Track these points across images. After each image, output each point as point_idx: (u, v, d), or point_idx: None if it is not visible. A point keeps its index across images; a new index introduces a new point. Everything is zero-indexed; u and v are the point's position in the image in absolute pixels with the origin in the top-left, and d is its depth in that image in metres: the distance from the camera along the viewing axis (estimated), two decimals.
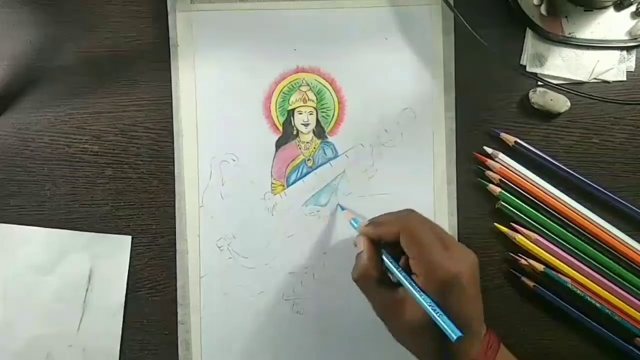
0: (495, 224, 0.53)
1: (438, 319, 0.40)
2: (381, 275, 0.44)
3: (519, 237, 0.53)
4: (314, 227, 0.54)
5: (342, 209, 0.53)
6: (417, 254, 0.42)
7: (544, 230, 0.53)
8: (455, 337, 0.39)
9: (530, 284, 0.53)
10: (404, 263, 0.44)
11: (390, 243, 0.44)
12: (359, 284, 0.45)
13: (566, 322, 0.53)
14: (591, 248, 0.53)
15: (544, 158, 0.53)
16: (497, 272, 0.54)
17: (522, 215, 0.53)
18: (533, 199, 0.53)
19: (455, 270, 0.41)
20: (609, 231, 0.52)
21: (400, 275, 0.43)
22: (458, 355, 0.42)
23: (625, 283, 0.52)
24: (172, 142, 0.54)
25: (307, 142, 0.54)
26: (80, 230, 0.54)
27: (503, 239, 0.54)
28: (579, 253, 0.53)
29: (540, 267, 0.52)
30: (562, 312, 0.52)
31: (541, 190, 0.53)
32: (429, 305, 0.41)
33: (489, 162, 0.54)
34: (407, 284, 0.42)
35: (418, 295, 0.41)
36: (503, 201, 0.53)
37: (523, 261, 0.53)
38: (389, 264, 0.44)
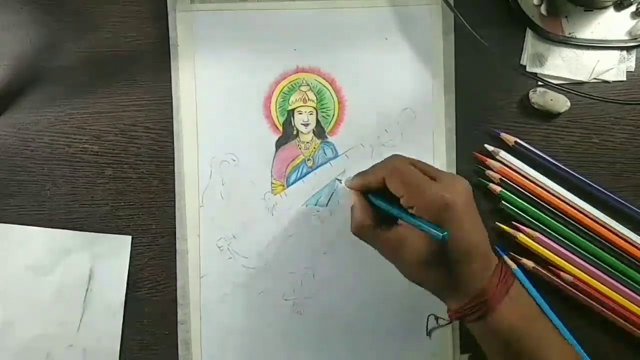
0: (497, 222, 0.53)
1: (420, 223, 0.40)
2: (376, 221, 0.45)
3: (521, 236, 0.53)
4: (314, 227, 0.54)
5: (340, 181, 0.54)
6: (406, 193, 0.42)
7: (546, 228, 0.53)
8: (440, 235, 0.39)
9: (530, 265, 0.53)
10: (398, 205, 0.44)
11: (380, 190, 0.44)
12: (359, 236, 0.46)
13: (567, 321, 0.53)
14: (593, 245, 0.53)
15: (544, 158, 0.53)
16: None
17: (523, 214, 0.53)
18: (534, 197, 0.53)
19: (448, 198, 0.41)
20: (612, 227, 0.53)
21: (388, 207, 0.43)
22: (470, 282, 0.42)
23: (627, 280, 0.52)
24: (172, 142, 0.54)
25: (307, 142, 0.54)
26: (80, 230, 0.54)
27: (504, 239, 0.54)
28: (581, 251, 0.53)
29: (530, 264, 0.52)
30: (563, 313, 0.52)
31: (542, 188, 0.53)
32: (410, 215, 0.41)
33: (489, 161, 0.54)
34: (393, 210, 0.43)
35: (402, 214, 0.42)
36: (504, 200, 0.53)
37: (523, 261, 0.53)
38: (379, 202, 0.45)
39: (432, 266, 0.42)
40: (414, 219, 0.42)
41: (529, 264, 0.53)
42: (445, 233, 0.39)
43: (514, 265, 0.53)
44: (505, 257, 0.53)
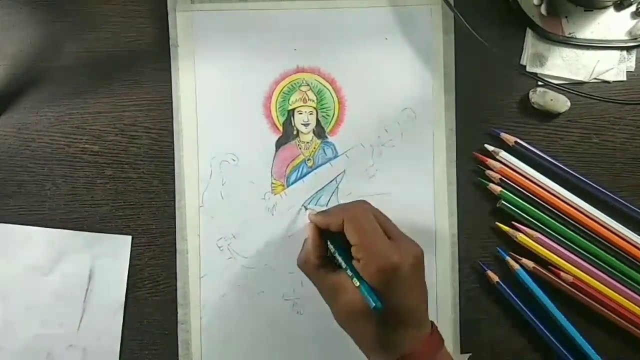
0: (497, 223, 0.53)
1: (361, 285, 0.41)
2: (323, 261, 0.45)
3: (521, 236, 0.53)
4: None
5: (306, 209, 0.54)
6: (358, 240, 0.43)
7: (546, 228, 0.53)
8: (373, 305, 0.40)
9: (495, 279, 0.53)
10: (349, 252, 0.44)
11: (339, 232, 0.44)
12: (302, 269, 0.47)
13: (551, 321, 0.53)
14: (593, 245, 0.53)
15: (544, 158, 0.53)
16: (498, 271, 0.54)
17: (523, 214, 0.53)
18: (534, 197, 0.53)
19: (396, 260, 0.42)
20: (611, 227, 0.53)
21: (338, 253, 0.44)
22: (398, 345, 0.42)
23: (627, 280, 0.52)
24: (172, 142, 0.54)
25: (307, 142, 0.54)
26: (80, 230, 0.54)
27: (503, 239, 0.54)
28: (581, 251, 0.53)
29: (530, 264, 0.52)
30: (563, 313, 0.52)
31: (542, 188, 0.53)
32: (355, 273, 0.42)
33: (489, 161, 0.54)
34: (341, 260, 0.44)
35: (349, 268, 0.43)
36: (504, 200, 0.53)
37: (523, 261, 0.53)
38: (331, 245, 0.45)
39: (364, 321, 0.43)
40: (357, 278, 0.42)
41: (529, 264, 0.53)
42: (379, 305, 0.40)
43: (516, 266, 0.53)
44: (508, 258, 0.53)
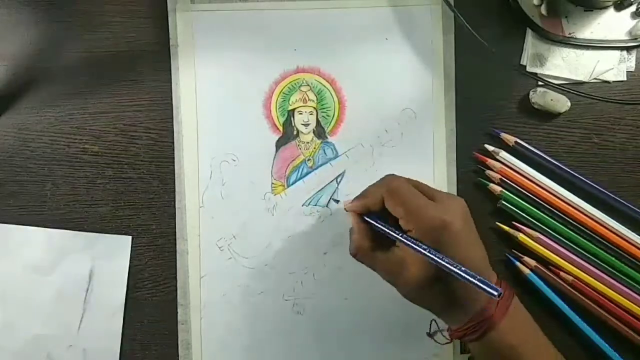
0: (497, 222, 0.53)
1: (473, 281, 0.38)
2: (374, 243, 0.44)
3: (521, 236, 0.53)
4: (314, 227, 0.54)
5: (336, 201, 0.54)
6: (404, 213, 0.42)
7: (546, 228, 0.53)
8: (496, 294, 0.37)
9: (526, 270, 0.53)
10: (396, 226, 0.44)
11: (379, 211, 0.44)
12: (357, 258, 0.45)
13: (564, 323, 0.53)
14: (594, 245, 0.53)
15: (544, 158, 0.53)
16: (498, 272, 0.54)
17: (524, 214, 0.53)
18: (534, 197, 0.53)
19: (445, 217, 0.41)
20: (612, 227, 0.52)
21: (386, 230, 0.43)
22: (469, 303, 0.42)
23: (628, 280, 0.52)
24: (172, 142, 0.54)
25: (307, 142, 0.54)
26: (80, 230, 0.54)
27: (504, 239, 0.54)
28: (581, 250, 0.53)
29: (532, 263, 0.52)
30: (561, 313, 0.52)
31: (542, 188, 0.53)
32: (411, 241, 0.41)
33: (490, 161, 0.54)
34: (392, 233, 0.42)
35: (403, 239, 0.42)
36: (504, 200, 0.53)
37: (524, 259, 0.53)
38: (377, 225, 0.44)
39: (432, 288, 0.42)
40: (415, 244, 0.41)
41: (531, 262, 0.52)
42: (500, 291, 0.37)
43: (527, 271, 0.52)
44: (518, 264, 0.53)
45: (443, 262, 0.39)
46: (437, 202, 0.43)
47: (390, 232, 0.43)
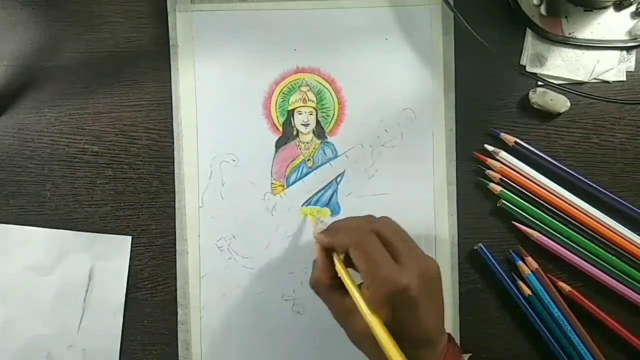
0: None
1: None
2: (333, 281, 0.43)
3: (535, 234, 0.53)
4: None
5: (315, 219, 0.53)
6: (365, 269, 0.41)
7: (546, 228, 0.53)
8: None
9: (527, 292, 0.53)
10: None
11: (344, 253, 0.43)
12: (314, 290, 0.45)
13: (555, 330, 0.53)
14: (594, 245, 0.53)
15: (544, 158, 0.53)
16: (498, 272, 0.54)
17: (524, 214, 0.53)
18: (534, 197, 0.53)
19: (404, 282, 0.40)
20: (611, 227, 0.52)
21: (345, 280, 0.42)
22: None
23: (628, 279, 0.52)
24: (172, 142, 0.54)
25: (307, 142, 0.54)
26: (80, 230, 0.54)
27: (504, 239, 0.54)
28: (582, 250, 0.53)
29: (534, 264, 0.53)
30: (554, 319, 0.52)
31: (542, 187, 0.53)
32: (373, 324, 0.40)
33: (490, 161, 0.54)
34: (348, 286, 0.42)
35: (355, 296, 0.41)
36: (504, 200, 0.53)
37: (527, 259, 0.53)
38: (342, 274, 0.43)
39: (376, 343, 0.41)
40: (360, 304, 0.41)
41: (533, 264, 0.53)
42: None
43: (527, 271, 0.52)
44: (520, 263, 0.53)
45: (376, 333, 0.39)
46: (402, 263, 0.41)
47: (345, 282, 0.42)
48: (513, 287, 0.53)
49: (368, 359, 0.43)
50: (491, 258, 0.53)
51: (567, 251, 0.53)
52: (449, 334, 0.44)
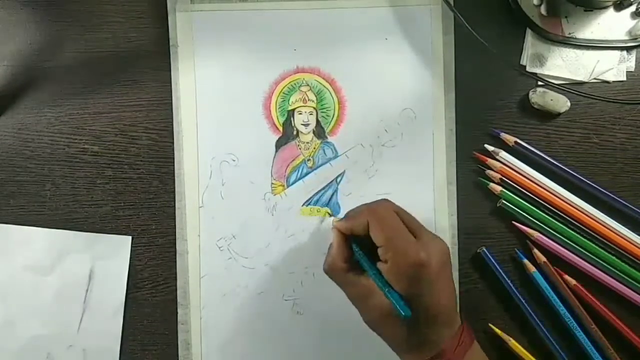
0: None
1: (389, 294, 0.41)
2: (349, 264, 0.45)
3: (535, 234, 0.53)
4: (314, 227, 0.54)
5: (330, 215, 0.53)
6: (384, 242, 0.42)
7: (546, 227, 0.53)
8: (403, 314, 0.40)
9: (532, 268, 0.53)
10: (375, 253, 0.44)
11: (363, 235, 0.44)
12: (329, 275, 0.46)
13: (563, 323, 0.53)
14: (594, 244, 0.53)
15: (544, 158, 0.53)
16: (499, 273, 0.54)
17: (524, 214, 0.53)
18: (534, 197, 0.53)
19: (423, 258, 0.41)
20: (612, 227, 0.53)
21: (364, 261, 0.44)
22: (430, 344, 0.42)
23: (629, 279, 0.52)
24: (172, 142, 0.54)
25: (307, 142, 0.54)
26: (80, 230, 0.54)
27: (504, 239, 0.54)
28: (582, 250, 0.53)
29: (542, 258, 0.53)
30: (559, 313, 0.52)
31: (543, 187, 0.53)
32: (381, 283, 0.42)
33: (490, 161, 0.54)
34: (367, 267, 0.43)
35: (375, 276, 0.42)
36: (504, 200, 0.53)
37: (535, 253, 0.53)
38: (358, 253, 0.44)
39: (395, 323, 0.42)
40: (383, 285, 0.42)
41: (541, 257, 0.52)
42: (409, 314, 0.40)
43: (532, 269, 0.52)
44: (525, 261, 0.53)
45: (398, 309, 0.41)
46: (419, 239, 0.43)
47: (364, 262, 0.44)
48: (513, 287, 0.53)
49: (384, 340, 0.45)
50: (494, 262, 0.53)
51: (567, 251, 0.53)
52: (461, 317, 0.45)
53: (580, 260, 0.53)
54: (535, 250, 0.53)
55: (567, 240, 0.53)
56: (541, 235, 0.53)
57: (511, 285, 0.53)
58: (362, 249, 0.45)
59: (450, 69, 0.54)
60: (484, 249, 0.53)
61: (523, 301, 0.53)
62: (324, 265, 0.46)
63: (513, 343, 0.53)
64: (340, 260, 0.45)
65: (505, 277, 0.53)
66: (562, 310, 0.52)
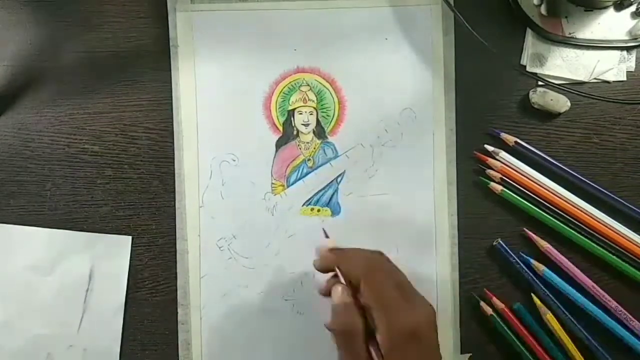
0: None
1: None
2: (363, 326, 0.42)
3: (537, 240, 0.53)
4: (314, 227, 0.54)
5: (326, 236, 0.50)
6: (376, 305, 0.41)
7: (546, 228, 0.53)
8: None
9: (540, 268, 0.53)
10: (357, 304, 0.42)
11: (348, 281, 0.43)
12: (343, 339, 0.42)
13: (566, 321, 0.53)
14: (594, 244, 0.53)
15: (544, 158, 0.53)
16: (500, 272, 0.54)
17: (524, 213, 0.53)
18: (535, 196, 0.53)
19: (415, 321, 0.41)
20: (612, 227, 0.53)
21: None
22: None
23: (629, 279, 0.52)
24: (172, 142, 0.54)
25: (307, 142, 0.54)
26: (80, 230, 0.54)
27: (504, 239, 0.54)
28: (582, 250, 0.53)
29: (544, 244, 0.53)
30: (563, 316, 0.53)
31: (543, 187, 0.53)
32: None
33: (490, 160, 0.54)
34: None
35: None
36: (505, 199, 0.53)
37: (538, 241, 0.53)
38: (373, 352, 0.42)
39: None
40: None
41: (543, 244, 0.52)
42: None
43: (542, 267, 0.52)
44: (533, 262, 0.53)
45: None
46: (409, 303, 0.42)
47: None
48: (533, 279, 0.53)
49: None
50: (511, 254, 0.53)
51: (567, 251, 0.53)
52: None
53: (580, 260, 0.52)
54: (538, 239, 0.53)
55: (567, 240, 0.53)
56: (550, 247, 0.52)
57: (511, 285, 0.53)
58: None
59: (450, 69, 0.54)
60: (500, 241, 0.53)
61: (523, 309, 0.53)
62: (332, 325, 0.42)
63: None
64: (359, 322, 0.41)
65: (524, 267, 0.53)
66: (580, 299, 0.52)
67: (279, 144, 0.54)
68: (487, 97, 0.55)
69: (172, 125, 0.54)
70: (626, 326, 0.52)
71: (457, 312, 0.54)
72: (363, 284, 0.42)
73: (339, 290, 0.43)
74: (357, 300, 0.42)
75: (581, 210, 0.53)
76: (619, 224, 0.53)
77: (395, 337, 0.41)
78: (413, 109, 0.54)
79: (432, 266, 0.54)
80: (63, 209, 0.54)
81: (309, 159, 0.54)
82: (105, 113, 0.54)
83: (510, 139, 0.53)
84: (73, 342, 0.53)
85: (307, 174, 0.54)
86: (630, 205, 0.53)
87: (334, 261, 0.44)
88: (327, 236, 0.49)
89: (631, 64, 0.54)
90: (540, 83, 0.54)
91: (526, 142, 0.53)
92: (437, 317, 0.52)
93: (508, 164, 0.53)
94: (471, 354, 0.54)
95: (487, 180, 0.54)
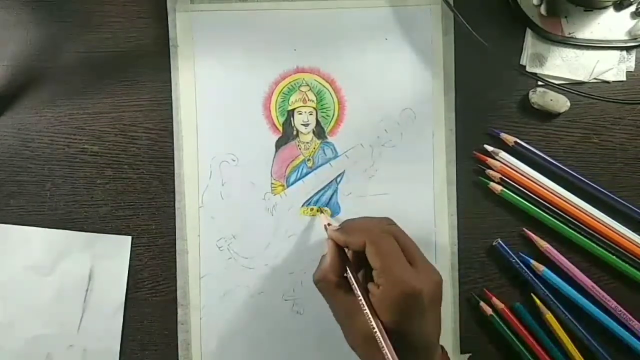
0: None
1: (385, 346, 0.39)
2: (340, 279, 0.44)
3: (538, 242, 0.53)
4: (314, 227, 0.54)
5: (325, 219, 0.52)
6: (380, 266, 0.41)
7: (546, 228, 0.53)
8: None
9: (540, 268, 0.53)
10: (368, 272, 0.43)
11: (359, 252, 0.43)
12: (318, 286, 0.44)
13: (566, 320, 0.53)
14: (594, 244, 0.53)
15: (544, 158, 0.53)
16: (499, 272, 0.54)
17: (523, 214, 0.53)
18: (535, 196, 0.53)
19: (418, 287, 0.40)
20: (612, 227, 0.53)
21: (354, 284, 0.42)
22: None
23: (628, 279, 0.52)
24: (172, 142, 0.54)
25: (307, 142, 0.54)
26: (80, 231, 0.54)
27: (504, 239, 0.54)
28: (582, 250, 0.53)
29: (544, 244, 0.53)
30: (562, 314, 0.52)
31: (543, 187, 0.53)
32: (370, 308, 0.41)
33: (490, 160, 0.54)
34: (359, 293, 0.42)
35: (364, 301, 0.41)
36: (504, 199, 0.53)
37: (537, 240, 0.53)
38: (351, 278, 0.43)
39: (377, 346, 0.41)
40: (368, 310, 0.41)
41: (543, 244, 0.53)
42: None
43: (541, 267, 0.52)
44: (532, 261, 0.53)
45: (381, 339, 0.39)
46: (415, 267, 0.42)
47: (355, 286, 0.42)
48: (531, 279, 0.53)
49: None
50: (511, 254, 0.53)
51: (567, 250, 0.53)
52: (441, 346, 0.44)
53: (580, 260, 0.52)
54: (537, 239, 0.53)
55: (567, 240, 0.53)
56: (549, 247, 0.52)
57: (511, 284, 0.53)
58: (357, 262, 0.44)
59: (450, 69, 0.54)
60: (499, 241, 0.53)
61: (522, 307, 0.53)
62: (314, 275, 0.45)
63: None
64: (333, 274, 0.44)
65: (524, 267, 0.53)
66: (580, 300, 0.52)
67: (279, 144, 0.54)
68: (487, 97, 0.55)
69: (172, 125, 0.54)
70: (626, 326, 0.52)
71: (457, 312, 0.54)
72: (367, 250, 0.42)
73: (326, 245, 0.45)
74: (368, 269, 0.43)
75: (581, 210, 0.53)
76: (618, 224, 0.53)
77: (393, 297, 0.40)
78: (413, 109, 0.54)
79: None
80: (63, 209, 0.54)
81: (308, 159, 0.54)
82: (105, 113, 0.54)
83: (510, 139, 0.53)
84: (73, 342, 0.53)
85: (306, 174, 0.54)
86: (630, 205, 0.53)
87: (341, 238, 0.45)
88: (328, 224, 0.50)
89: (631, 64, 0.54)
90: (540, 83, 0.54)
91: (526, 142, 0.53)
92: None
93: (508, 164, 0.53)
94: (471, 354, 0.54)
95: (486, 180, 0.54)
